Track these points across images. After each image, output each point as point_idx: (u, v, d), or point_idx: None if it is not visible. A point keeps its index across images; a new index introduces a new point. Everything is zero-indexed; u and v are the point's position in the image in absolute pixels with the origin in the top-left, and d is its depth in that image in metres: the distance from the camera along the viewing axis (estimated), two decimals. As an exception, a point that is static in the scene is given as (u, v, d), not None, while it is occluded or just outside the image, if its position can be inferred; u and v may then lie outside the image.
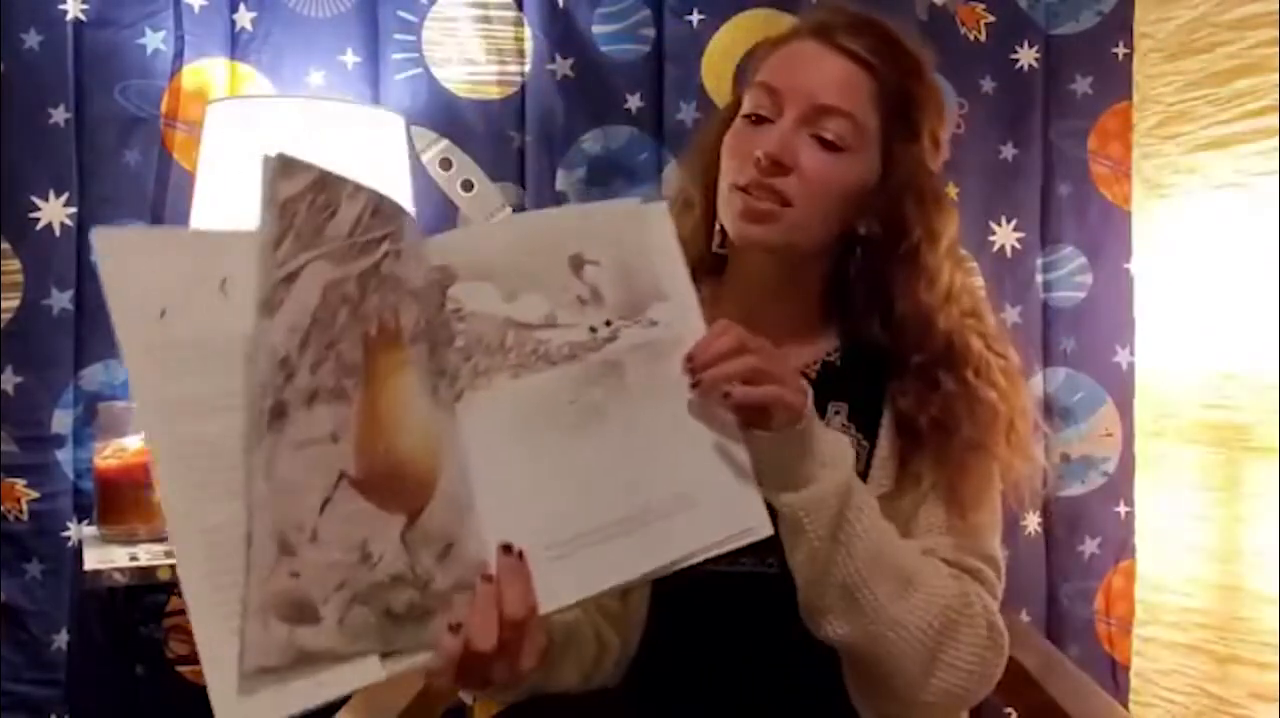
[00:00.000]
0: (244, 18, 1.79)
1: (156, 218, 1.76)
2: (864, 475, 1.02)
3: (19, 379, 1.72)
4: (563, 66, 1.85)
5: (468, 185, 1.84)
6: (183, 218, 1.69)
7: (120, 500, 1.58)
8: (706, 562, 0.83)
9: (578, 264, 0.85)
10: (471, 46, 1.84)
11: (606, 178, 1.87)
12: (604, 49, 1.86)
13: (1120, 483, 1.94)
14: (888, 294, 1.04)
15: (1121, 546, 1.95)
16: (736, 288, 1.08)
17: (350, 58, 1.82)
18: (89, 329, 1.72)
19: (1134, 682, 1.93)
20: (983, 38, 1.93)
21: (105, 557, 1.50)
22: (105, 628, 1.75)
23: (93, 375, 1.74)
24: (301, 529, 0.72)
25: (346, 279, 0.76)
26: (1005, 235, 1.93)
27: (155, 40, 1.75)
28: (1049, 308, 1.95)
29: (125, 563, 1.48)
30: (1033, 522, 1.92)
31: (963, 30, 1.92)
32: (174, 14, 1.75)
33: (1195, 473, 1.82)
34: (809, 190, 0.99)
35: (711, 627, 1.04)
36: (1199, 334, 1.82)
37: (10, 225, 1.71)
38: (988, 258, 1.91)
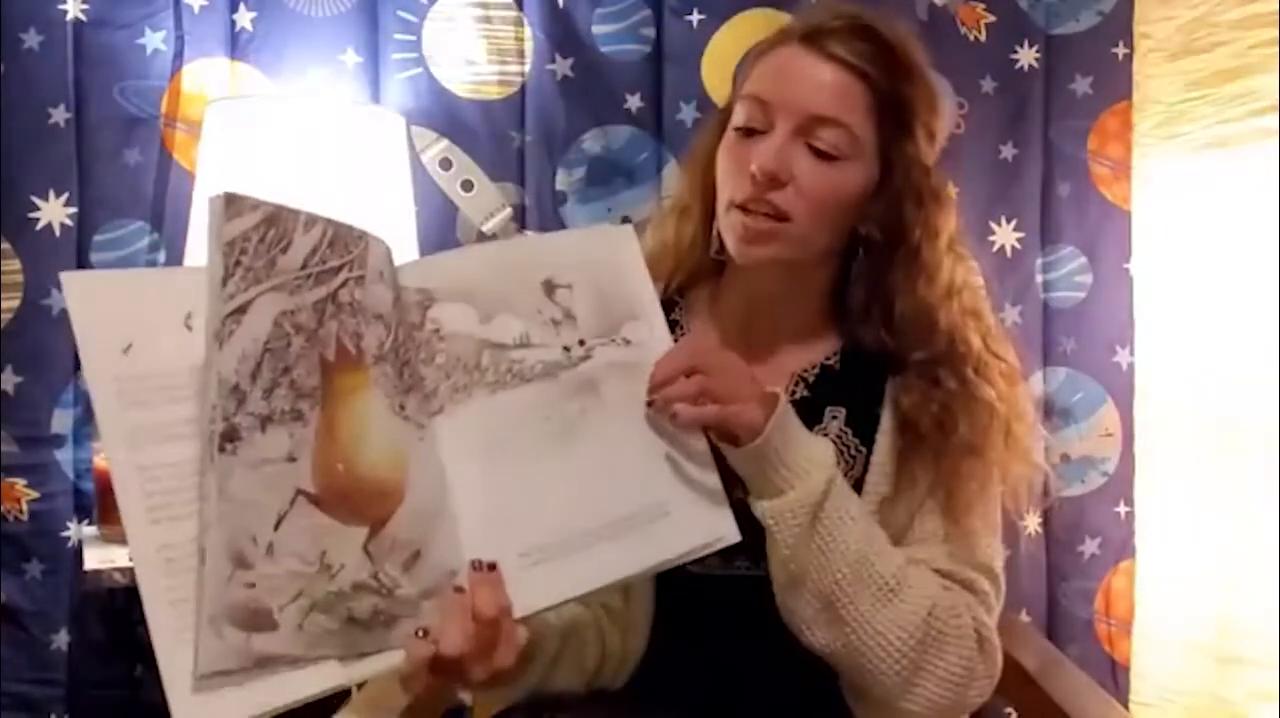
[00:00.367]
0: (244, 17, 1.78)
1: (156, 217, 1.76)
2: (860, 481, 1.02)
3: (19, 379, 1.72)
4: (563, 66, 1.85)
5: (468, 185, 1.84)
6: (182, 218, 1.69)
7: (120, 501, 1.58)
8: (707, 565, 0.84)
9: (550, 288, 0.90)
10: (472, 46, 1.84)
11: (606, 178, 1.87)
12: (604, 49, 1.86)
13: (1120, 483, 1.94)
14: (888, 293, 1.03)
15: (1121, 546, 1.94)
16: (737, 291, 1.08)
17: (350, 57, 1.82)
18: (89, 329, 1.72)
19: (1134, 682, 1.93)
20: (983, 37, 1.93)
21: (105, 557, 1.50)
22: (105, 628, 1.75)
23: (93, 376, 1.74)
24: (256, 544, 0.75)
25: (300, 309, 0.80)
26: (1005, 235, 1.93)
27: (155, 40, 1.75)
28: (1049, 308, 1.95)
29: (125, 563, 1.47)
30: (1033, 522, 1.92)
31: (963, 30, 1.92)
32: (174, 14, 1.75)
33: (1195, 473, 1.82)
34: (807, 203, 0.98)
35: (712, 628, 1.04)
36: (1199, 334, 1.81)
37: (10, 225, 1.71)
38: (988, 258, 1.90)
